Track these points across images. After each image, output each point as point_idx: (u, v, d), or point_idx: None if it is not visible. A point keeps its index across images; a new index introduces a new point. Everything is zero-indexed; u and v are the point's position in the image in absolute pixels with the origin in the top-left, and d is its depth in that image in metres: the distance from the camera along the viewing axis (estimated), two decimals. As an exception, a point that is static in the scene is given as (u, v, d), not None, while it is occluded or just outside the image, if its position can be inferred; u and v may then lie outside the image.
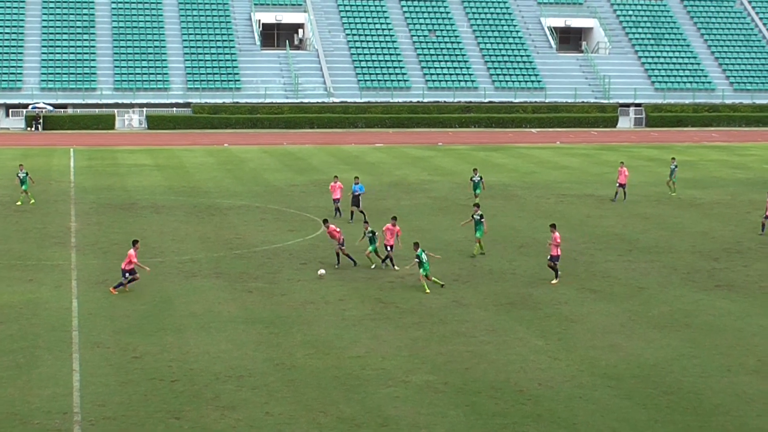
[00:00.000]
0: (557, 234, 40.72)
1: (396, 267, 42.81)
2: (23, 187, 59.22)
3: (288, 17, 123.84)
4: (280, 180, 71.12)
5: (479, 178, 60.64)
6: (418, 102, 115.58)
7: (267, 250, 47.26)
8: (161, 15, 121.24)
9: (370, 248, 43.29)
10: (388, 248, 43.19)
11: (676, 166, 64.85)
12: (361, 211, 53.31)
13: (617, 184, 61.58)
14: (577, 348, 32.31)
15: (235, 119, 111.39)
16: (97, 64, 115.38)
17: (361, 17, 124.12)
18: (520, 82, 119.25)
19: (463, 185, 68.28)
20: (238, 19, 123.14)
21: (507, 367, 30.28)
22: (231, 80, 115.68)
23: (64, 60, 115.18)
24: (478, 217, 45.48)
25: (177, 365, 30.23)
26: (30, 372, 29.57)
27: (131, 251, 38.70)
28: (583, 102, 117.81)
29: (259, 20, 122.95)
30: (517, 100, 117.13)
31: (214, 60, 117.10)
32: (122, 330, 33.87)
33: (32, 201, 59.15)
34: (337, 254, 43.56)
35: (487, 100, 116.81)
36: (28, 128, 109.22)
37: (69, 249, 46.91)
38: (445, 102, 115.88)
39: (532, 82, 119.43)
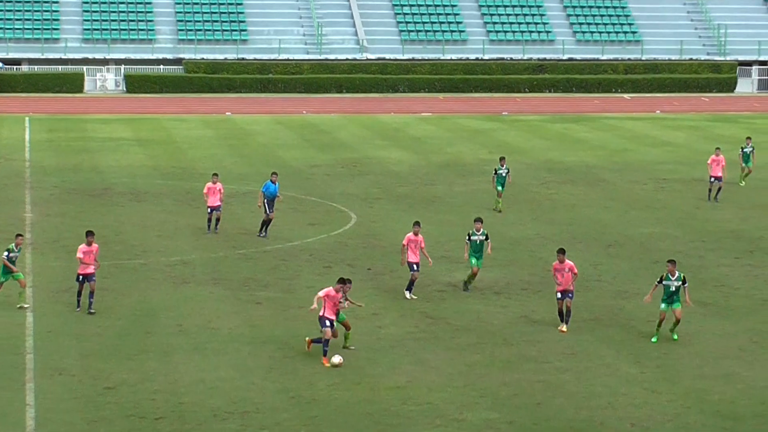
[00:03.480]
0: (570, 263, 36.91)
1: (410, 295, 40.33)
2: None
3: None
4: (299, 159, 71.29)
5: (507, 170, 56.03)
6: (476, 59, 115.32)
7: (281, 250, 47.34)
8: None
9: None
10: (414, 267, 40.35)
11: (751, 149, 63.63)
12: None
13: (710, 178, 58.89)
14: (682, 378, 32.15)
15: (241, 81, 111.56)
16: (61, 8, 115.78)
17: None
18: (609, 33, 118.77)
19: (534, 166, 68.21)
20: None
21: (590, 402, 30.16)
22: (235, 30, 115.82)
23: (17, 2, 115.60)
24: (483, 237, 40.67)
25: (163, 398, 30.19)
26: (-28, 406, 29.69)
27: (82, 246, 37.73)
28: (691, 59, 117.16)
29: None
30: (605, 57, 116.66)
31: (213, 4, 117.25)
32: (91, 353, 33.90)
33: None
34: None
35: (566, 57, 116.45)
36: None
37: (23, 248, 47.07)
38: (511, 59, 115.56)
39: (625, 33, 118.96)
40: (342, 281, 34.50)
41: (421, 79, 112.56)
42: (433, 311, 38.46)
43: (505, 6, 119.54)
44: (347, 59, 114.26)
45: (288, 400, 30.11)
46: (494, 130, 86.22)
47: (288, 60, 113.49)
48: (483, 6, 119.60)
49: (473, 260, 40.35)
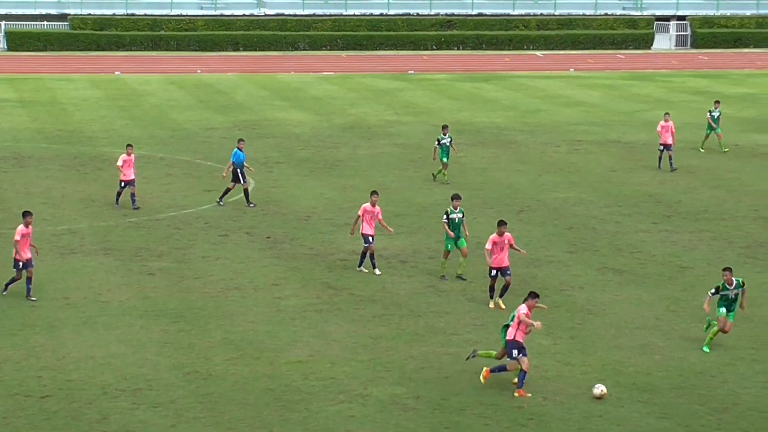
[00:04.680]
0: (509, 235, 36.55)
1: (377, 271, 40.10)
2: None
3: None
4: (193, 121, 70.92)
5: (450, 139, 54.73)
6: (381, 15, 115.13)
7: (174, 218, 47.15)
8: None
9: None
10: (369, 240, 39.82)
11: (719, 114, 61.81)
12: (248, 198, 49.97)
13: (660, 146, 57.77)
14: (596, 349, 32.50)
15: (130, 38, 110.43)
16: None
17: None
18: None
19: (439, 127, 68.21)
20: None
21: (500, 375, 30.40)
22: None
23: None
24: (461, 215, 39.49)
25: (49, 375, 30.06)
26: None
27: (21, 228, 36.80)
28: (606, 14, 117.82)
29: None
30: (516, 12, 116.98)
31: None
32: (-27, 327, 33.76)
33: None
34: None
35: (475, 12, 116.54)
36: None
37: None
38: (417, 15, 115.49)
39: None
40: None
41: (323, 36, 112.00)
42: (335, 281, 38.49)
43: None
44: (244, 15, 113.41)
45: (183, 377, 30.08)
46: (400, 89, 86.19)
47: (181, 16, 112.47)
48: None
49: (451, 244, 38.84)
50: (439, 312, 35.47)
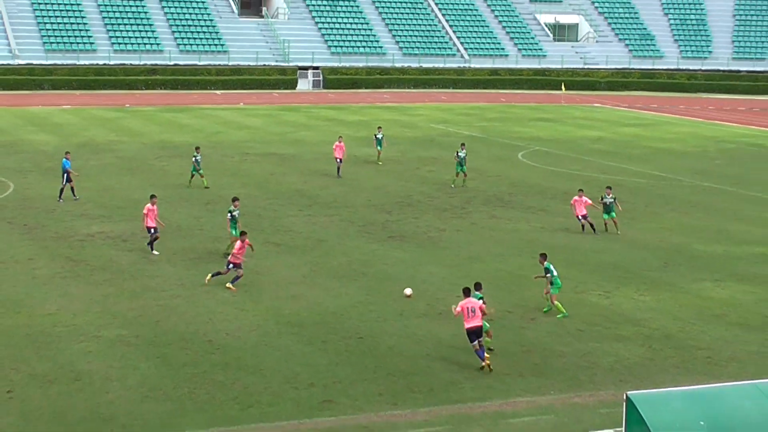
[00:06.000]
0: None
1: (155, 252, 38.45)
2: None
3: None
4: (-35, 141, 67.84)
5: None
6: (104, 64, 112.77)
7: (-47, 212, 45.20)
8: None
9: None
10: (152, 231, 38.11)
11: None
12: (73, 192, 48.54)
13: (337, 159, 56.87)
14: (262, 299, 32.64)
15: None
16: None
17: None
18: (204, 45, 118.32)
19: (150, 145, 67.45)
20: None
21: (196, 319, 30.26)
22: None
23: None
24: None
25: None
26: None
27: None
28: (264, 65, 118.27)
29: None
30: (201, 63, 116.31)
31: None
32: None
33: None
34: None
35: (172, 63, 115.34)
36: None
37: None
38: (131, 64, 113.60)
39: (216, 45, 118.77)
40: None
41: (62, 80, 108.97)
42: (75, 255, 37.60)
43: (126, 24, 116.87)
44: (2, 64, 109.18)
45: (-37, 328, 28.96)
46: (119, 118, 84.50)
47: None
48: (108, 24, 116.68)
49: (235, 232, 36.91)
50: (152, 275, 35.06)
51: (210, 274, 34.21)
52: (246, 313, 30.96)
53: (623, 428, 16.55)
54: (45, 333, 28.68)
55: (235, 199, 39.20)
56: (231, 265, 33.62)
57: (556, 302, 31.16)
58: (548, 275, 31.26)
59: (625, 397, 16.49)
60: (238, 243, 33.85)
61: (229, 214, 38.40)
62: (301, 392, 24.70)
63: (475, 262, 37.67)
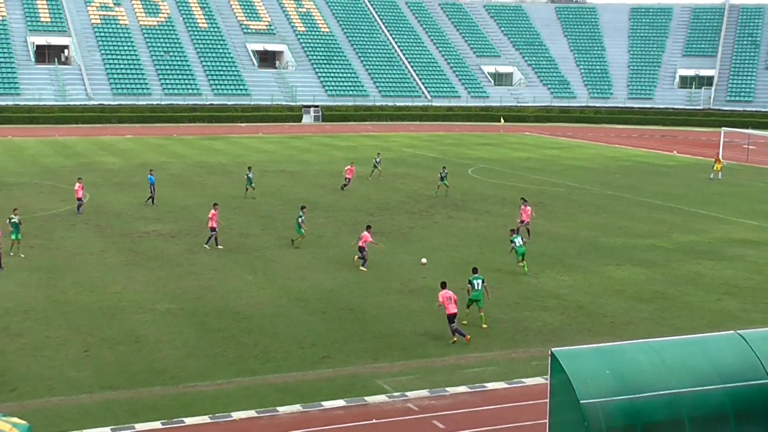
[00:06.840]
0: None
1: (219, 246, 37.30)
2: None
3: (55, 40, 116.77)
4: (53, 163, 67.23)
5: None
6: (157, 104, 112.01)
7: (44, 216, 44.73)
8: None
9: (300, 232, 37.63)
10: (214, 231, 37.29)
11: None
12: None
13: (345, 179, 55.03)
14: (277, 280, 32.47)
15: (16, 117, 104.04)
16: None
17: (111, 39, 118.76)
18: (232, 90, 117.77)
19: (191, 165, 67.04)
20: (17, 40, 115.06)
21: (227, 295, 30.10)
22: (12, 88, 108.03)
23: None
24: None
25: (-27, 305, 28.19)
26: None
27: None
28: (277, 104, 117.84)
29: (33, 42, 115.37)
30: (230, 103, 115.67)
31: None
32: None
33: None
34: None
35: (209, 103, 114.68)
36: None
37: None
38: (177, 104, 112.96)
39: (241, 90, 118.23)
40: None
41: (125, 116, 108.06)
42: (136, 248, 37.06)
43: (174, 73, 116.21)
44: (81, 104, 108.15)
45: (51, 303, 28.66)
46: (168, 144, 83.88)
47: (45, 105, 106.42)
48: (160, 72, 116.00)
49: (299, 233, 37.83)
50: (193, 263, 34.87)
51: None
52: (264, 291, 30.84)
53: (549, 376, 16.53)
54: (112, 307, 28.48)
55: (303, 207, 38.92)
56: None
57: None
58: (512, 245, 33.86)
59: (550, 352, 16.45)
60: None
61: (299, 218, 37.77)
62: (306, 350, 24.61)
63: (437, 252, 37.59)
